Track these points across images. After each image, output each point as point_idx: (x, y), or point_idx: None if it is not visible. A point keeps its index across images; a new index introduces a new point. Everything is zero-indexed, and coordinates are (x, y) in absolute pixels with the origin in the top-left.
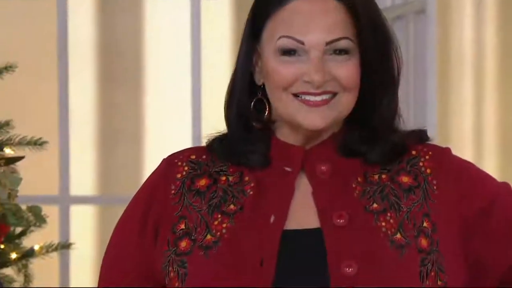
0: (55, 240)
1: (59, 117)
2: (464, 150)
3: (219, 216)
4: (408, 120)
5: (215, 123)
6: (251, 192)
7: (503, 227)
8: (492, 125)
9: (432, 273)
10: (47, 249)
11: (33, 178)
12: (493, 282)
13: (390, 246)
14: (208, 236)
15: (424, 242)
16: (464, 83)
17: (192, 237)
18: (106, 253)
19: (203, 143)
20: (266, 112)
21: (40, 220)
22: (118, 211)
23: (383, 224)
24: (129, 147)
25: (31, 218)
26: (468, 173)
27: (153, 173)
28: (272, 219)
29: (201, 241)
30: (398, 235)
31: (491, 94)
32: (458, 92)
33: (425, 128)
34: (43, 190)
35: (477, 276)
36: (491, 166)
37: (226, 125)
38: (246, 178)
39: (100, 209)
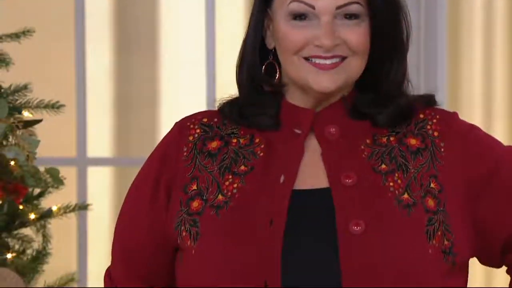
0: (73, 201)
1: (76, 81)
2: (473, 115)
3: (230, 176)
4: (418, 85)
5: (229, 88)
6: (261, 154)
7: (508, 190)
8: (501, 90)
9: (439, 233)
10: (65, 210)
11: (51, 141)
12: (497, 246)
13: (397, 205)
14: (220, 196)
15: (431, 202)
16: (474, 48)
17: (204, 197)
18: (119, 215)
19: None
20: (277, 76)
21: (57, 181)
22: (134, 173)
23: (391, 184)
24: (145, 111)
25: (49, 179)
26: (475, 136)
27: (165, 136)
28: (282, 179)
29: (213, 201)
30: (406, 195)
31: (501, 59)
32: (468, 57)
33: (433, 93)
34: (60, 152)
35: (482, 239)
36: (500, 131)
37: (238, 88)
38: (257, 140)
39: (117, 170)
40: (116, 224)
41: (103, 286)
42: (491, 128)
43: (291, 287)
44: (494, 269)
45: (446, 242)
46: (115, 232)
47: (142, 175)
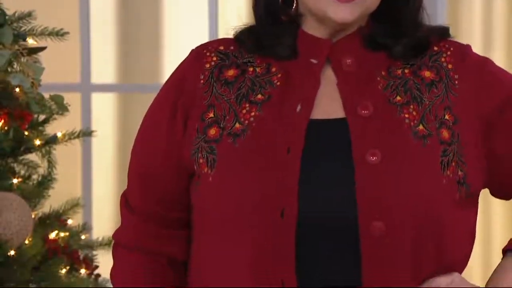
0: (77, 127)
1: (80, 8)
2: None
3: (247, 105)
4: None
5: (231, 22)
6: (278, 83)
7: None
8: (501, 18)
9: (453, 163)
10: (70, 136)
11: (55, 68)
12: (509, 178)
13: (413, 136)
14: (237, 125)
15: (445, 134)
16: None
17: (221, 125)
18: (136, 139)
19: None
20: (294, 5)
21: (62, 108)
22: (138, 99)
23: (406, 116)
24: (149, 37)
25: (54, 106)
26: (488, 69)
27: (181, 63)
28: (298, 108)
29: (230, 129)
30: (421, 127)
31: (501, 59)
32: None
33: (447, 25)
34: (65, 79)
35: (494, 171)
36: (500, 59)
37: (255, 17)
38: (273, 69)
39: (121, 96)
40: (133, 148)
41: (119, 209)
42: (490, 55)
43: (308, 217)
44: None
45: (460, 173)
46: (131, 156)
47: (158, 101)
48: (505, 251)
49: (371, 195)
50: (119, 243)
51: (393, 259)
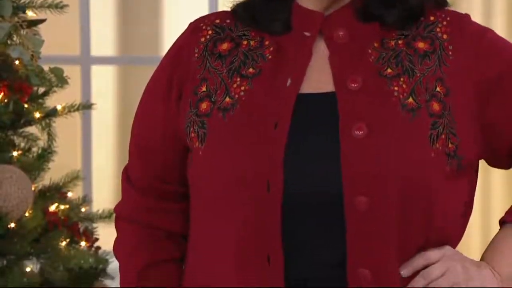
0: (77, 100)
1: None
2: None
3: (238, 79)
4: None
5: None
6: (270, 57)
7: None
8: None
9: (443, 136)
10: (69, 109)
11: (55, 40)
12: (505, 149)
13: (401, 110)
14: (227, 99)
15: (436, 106)
16: None
17: (212, 99)
18: (135, 114)
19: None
20: None
21: (61, 81)
22: (138, 71)
23: (396, 88)
24: (149, 9)
25: (53, 79)
26: (486, 38)
27: (179, 37)
28: (288, 82)
29: (220, 103)
30: (410, 99)
31: None
32: None
33: None
34: (64, 52)
35: (490, 142)
36: (499, 27)
37: None
38: (266, 43)
39: (120, 69)
40: (133, 123)
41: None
42: (490, 23)
43: (294, 191)
44: None
45: (450, 146)
46: (131, 131)
47: (156, 75)
48: (502, 222)
49: (356, 169)
50: (120, 216)
51: (378, 234)
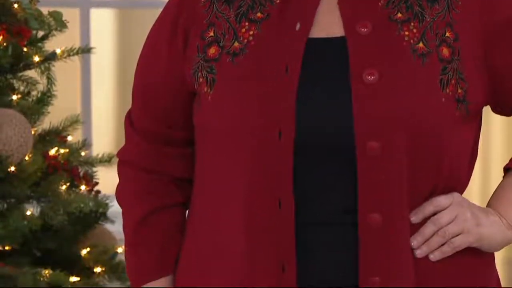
0: (76, 44)
1: None
2: None
3: (247, 23)
4: None
5: None
6: (278, 1)
7: None
8: None
9: (453, 81)
10: (69, 52)
11: None
12: (511, 95)
13: (412, 54)
14: (236, 43)
15: (445, 51)
16: None
17: (220, 44)
18: (139, 58)
19: None
20: None
21: (60, 25)
22: (137, 15)
23: (406, 33)
24: None
25: (53, 22)
26: None
27: None
28: (297, 26)
29: (229, 48)
30: (420, 44)
31: None
32: None
33: None
34: None
35: (496, 88)
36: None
37: None
38: None
39: (120, 13)
40: (136, 66)
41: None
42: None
43: (305, 137)
44: None
45: (459, 91)
46: (135, 74)
47: (160, 20)
48: (506, 169)
49: (368, 114)
50: (123, 161)
51: (389, 179)
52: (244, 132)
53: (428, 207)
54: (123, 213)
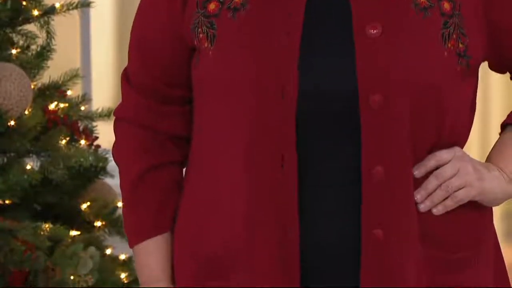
0: None
1: None
2: None
3: None
4: None
5: None
6: None
7: None
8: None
9: (454, 36)
10: (68, 6)
11: None
12: (509, 50)
13: (414, 8)
14: None
15: (446, 6)
16: None
17: (220, 0)
18: (137, 13)
19: None
20: None
21: None
22: None
23: None
24: None
25: None
26: None
27: None
28: None
29: (230, 3)
30: None
31: None
32: None
33: None
34: None
35: (495, 43)
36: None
37: None
38: None
39: None
40: (134, 22)
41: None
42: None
43: (308, 92)
44: None
45: (460, 45)
46: (132, 31)
47: None
48: (504, 126)
49: (371, 67)
50: (120, 118)
51: (392, 132)
52: (246, 88)
53: (430, 161)
54: (120, 171)
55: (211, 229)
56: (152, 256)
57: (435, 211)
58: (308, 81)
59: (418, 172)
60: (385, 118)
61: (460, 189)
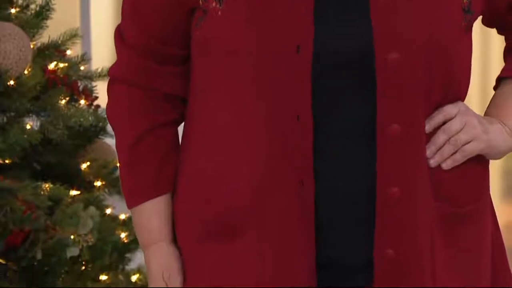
0: None
1: None
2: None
3: None
4: None
5: None
6: None
7: None
8: None
9: None
10: None
11: None
12: (503, 5)
13: None
14: None
15: None
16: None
17: None
18: None
19: None
20: None
21: None
22: None
23: None
24: None
25: None
26: None
27: None
28: None
29: None
30: None
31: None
32: None
33: None
34: None
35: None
36: None
37: None
38: None
39: None
40: None
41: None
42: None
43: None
44: None
45: (465, 1)
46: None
47: None
48: (499, 79)
49: (387, 25)
50: (114, 78)
51: (407, 89)
52: (260, 46)
53: (438, 116)
54: (116, 132)
55: (222, 188)
56: (152, 218)
57: (444, 165)
58: (323, 41)
59: (428, 126)
60: (401, 75)
61: (468, 143)
